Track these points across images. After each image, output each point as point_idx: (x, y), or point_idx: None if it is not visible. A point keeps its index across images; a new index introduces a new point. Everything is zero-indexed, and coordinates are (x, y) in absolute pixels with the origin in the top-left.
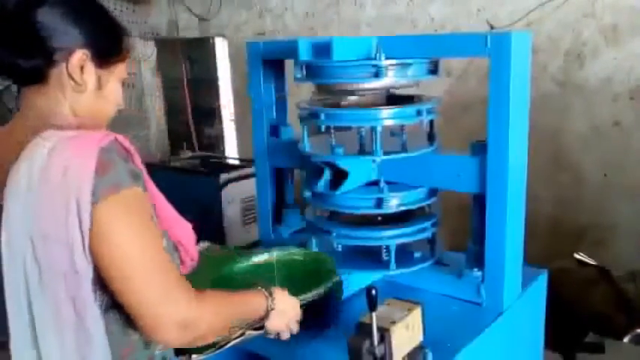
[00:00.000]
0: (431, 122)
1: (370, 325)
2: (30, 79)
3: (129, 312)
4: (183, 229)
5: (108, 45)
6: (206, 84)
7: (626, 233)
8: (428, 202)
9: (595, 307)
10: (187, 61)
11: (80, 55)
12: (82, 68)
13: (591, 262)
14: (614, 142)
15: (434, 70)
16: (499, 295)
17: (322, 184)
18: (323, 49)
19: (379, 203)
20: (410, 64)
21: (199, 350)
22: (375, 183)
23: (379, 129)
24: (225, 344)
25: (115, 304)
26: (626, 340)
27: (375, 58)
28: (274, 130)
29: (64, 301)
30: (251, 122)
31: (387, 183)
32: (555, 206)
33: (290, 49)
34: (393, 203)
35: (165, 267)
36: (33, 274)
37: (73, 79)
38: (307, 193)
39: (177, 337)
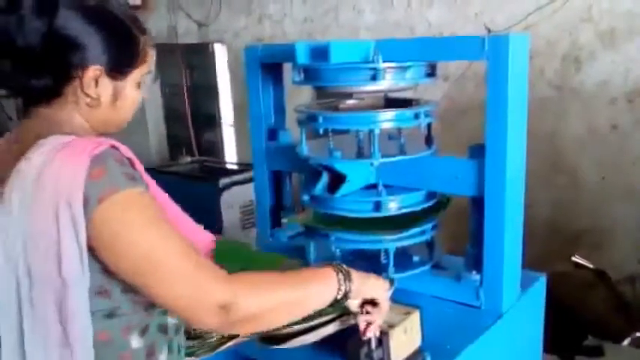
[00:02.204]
0: (429, 125)
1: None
2: (43, 98)
3: (165, 307)
4: (198, 235)
5: (123, 56)
6: (205, 89)
7: (623, 236)
8: (427, 205)
9: (594, 311)
10: (187, 67)
11: (94, 71)
12: (96, 82)
13: (589, 265)
14: (612, 145)
15: (431, 73)
16: (498, 298)
17: (320, 187)
18: (321, 53)
19: (378, 206)
20: (407, 68)
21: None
22: (374, 186)
23: (377, 132)
24: (221, 345)
25: (115, 312)
26: (625, 343)
27: (372, 61)
28: (272, 134)
29: (51, 313)
30: (249, 128)
31: (386, 186)
32: (553, 209)
33: (288, 52)
34: (392, 206)
35: (188, 255)
36: (24, 281)
37: (87, 94)
38: (305, 197)
39: (219, 321)
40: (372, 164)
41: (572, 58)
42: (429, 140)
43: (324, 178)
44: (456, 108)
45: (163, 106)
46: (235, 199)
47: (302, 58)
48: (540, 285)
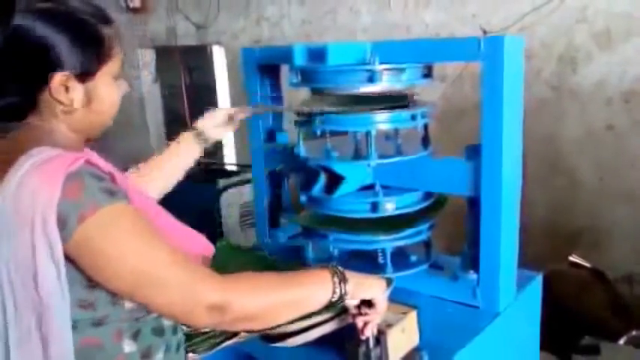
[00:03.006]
0: (425, 126)
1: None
2: (17, 114)
3: (162, 315)
4: (195, 243)
5: (87, 57)
6: (204, 91)
7: (620, 236)
8: (423, 205)
9: (591, 310)
10: (186, 69)
11: (60, 78)
12: (66, 88)
13: (586, 264)
14: (609, 145)
15: (428, 74)
16: (495, 297)
17: (318, 188)
18: (318, 55)
19: (375, 207)
20: (404, 69)
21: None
22: (371, 186)
23: (373, 133)
24: (221, 342)
25: (104, 320)
26: (621, 342)
27: (369, 63)
28: (270, 135)
29: (33, 328)
30: (247, 128)
31: (383, 187)
32: (550, 209)
33: (285, 54)
34: (389, 207)
35: (176, 260)
36: (9, 298)
37: (59, 101)
38: (303, 198)
39: (214, 321)
40: (369, 165)
41: (568, 59)
42: (425, 141)
43: (322, 178)
44: (453, 109)
45: (163, 108)
46: (234, 200)
47: (299, 60)
48: (537, 284)
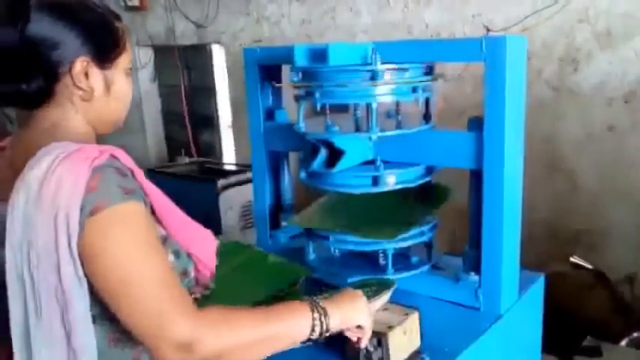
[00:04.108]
0: (427, 102)
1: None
2: (37, 102)
3: (130, 330)
4: (202, 240)
5: (105, 42)
6: (203, 90)
7: (620, 237)
8: (425, 179)
9: (592, 311)
10: (185, 68)
11: (81, 63)
12: (86, 75)
13: (587, 265)
14: (609, 146)
15: (429, 75)
16: (496, 299)
17: (319, 162)
18: (319, 55)
19: (376, 181)
20: (405, 70)
21: None
22: (372, 162)
23: (375, 106)
24: None
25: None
26: (623, 343)
27: (370, 64)
28: (269, 115)
29: (54, 318)
30: (248, 128)
31: (384, 162)
32: (550, 210)
33: (287, 54)
34: (390, 181)
35: (164, 284)
36: (29, 287)
37: (79, 88)
38: (303, 174)
39: (178, 358)
40: (370, 138)
41: (569, 59)
42: (427, 116)
43: (322, 153)
44: (454, 109)
45: (161, 107)
46: (234, 200)
47: (301, 60)
48: (539, 285)
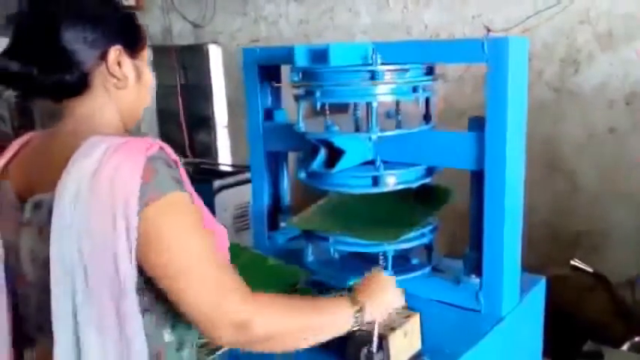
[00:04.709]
0: (427, 102)
1: (368, 332)
2: (76, 91)
3: (185, 314)
4: (222, 236)
5: (133, 33)
6: (200, 90)
7: (622, 240)
8: (425, 180)
9: (593, 315)
10: (181, 68)
11: (115, 52)
12: (119, 64)
13: (588, 269)
14: (610, 148)
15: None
16: (497, 302)
17: (318, 162)
18: (320, 55)
19: (376, 181)
20: (406, 70)
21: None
22: (372, 163)
23: (375, 105)
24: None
25: (151, 308)
26: (624, 347)
27: (371, 64)
28: (268, 114)
29: (107, 308)
30: (245, 128)
31: (384, 162)
32: (551, 213)
33: (286, 54)
34: (390, 181)
35: (219, 266)
36: (80, 280)
37: (114, 76)
38: (302, 174)
39: (232, 338)
40: (370, 138)
41: (570, 61)
42: (427, 116)
43: (322, 153)
44: (454, 110)
45: (157, 107)
46: (229, 201)
47: (301, 60)
48: (540, 288)
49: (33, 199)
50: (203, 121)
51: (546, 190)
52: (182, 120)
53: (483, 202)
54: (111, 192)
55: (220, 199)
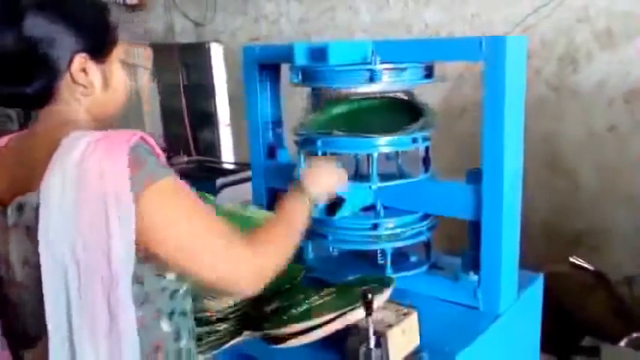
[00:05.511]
0: (426, 148)
1: (366, 329)
2: (40, 103)
3: (208, 284)
4: None
5: (101, 38)
6: (202, 89)
7: (621, 238)
8: (423, 223)
9: (591, 312)
10: (183, 66)
11: (79, 60)
12: (84, 71)
13: (587, 266)
14: (610, 146)
15: (429, 75)
16: (495, 298)
17: (319, 210)
18: (319, 54)
19: (375, 227)
20: (405, 69)
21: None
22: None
23: (375, 156)
24: (223, 344)
25: (148, 298)
26: (622, 344)
27: (370, 63)
28: (271, 152)
29: (99, 303)
30: (246, 126)
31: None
32: (550, 211)
33: (286, 53)
34: (390, 226)
35: (224, 234)
36: (73, 279)
37: (80, 84)
38: None
39: (256, 286)
40: (370, 187)
41: (569, 59)
42: (426, 162)
43: None
44: (454, 108)
45: (160, 106)
46: (233, 199)
47: (300, 59)
48: (538, 285)
49: (15, 201)
50: (206, 119)
51: (545, 188)
52: (185, 118)
53: (481, 199)
54: (100, 187)
55: (223, 196)
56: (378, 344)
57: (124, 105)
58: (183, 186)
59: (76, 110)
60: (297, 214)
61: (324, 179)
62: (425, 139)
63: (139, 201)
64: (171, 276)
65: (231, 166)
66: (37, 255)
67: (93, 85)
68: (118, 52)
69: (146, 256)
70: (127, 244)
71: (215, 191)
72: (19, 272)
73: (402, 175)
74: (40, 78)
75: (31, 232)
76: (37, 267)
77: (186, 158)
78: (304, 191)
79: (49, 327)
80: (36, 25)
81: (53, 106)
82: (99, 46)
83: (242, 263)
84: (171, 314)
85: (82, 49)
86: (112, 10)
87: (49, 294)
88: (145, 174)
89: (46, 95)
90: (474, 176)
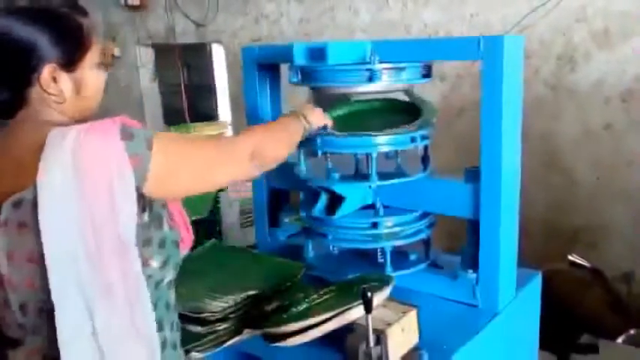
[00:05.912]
0: (425, 147)
1: (366, 327)
2: (11, 112)
3: (225, 185)
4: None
5: (70, 47)
6: (203, 89)
7: (618, 235)
8: (422, 222)
9: (589, 309)
10: (185, 67)
11: (48, 70)
12: (54, 79)
13: (585, 263)
14: (606, 144)
15: (427, 74)
16: (494, 296)
17: (319, 209)
18: (318, 53)
19: (375, 225)
20: (403, 68)
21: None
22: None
23: (374, 155)
24: (225, 342)
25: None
26: (619, 340)
27: (369, 62)
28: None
29: (117, 282)
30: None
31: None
32: (548, 208)
33: (285, 53)
34: (389, 224)
35: (219, 143)
36: (84, 262)
37: (49, 93)
38: (304, 214)
39: (253, 166)
40: (369, 186)
41: (567, 58)
42: (425, 160)
43: (323, 199)
44: (453, 107)
45: (162, 106)
46: (234, 198)
47: (299, 58)
48: (536, 283)
49: (12, 198)
50: (207, 119)
51: (543, 186)
52: (186, 118)
53: (480, 197)
54: (102, 167)
55: (225, 195)
56: (377, 342)
57: (97, 106)
58: (169, 133)
59: (50, 114)
60: (290, 121)
61: (317, 110)
62: (423, 138)
63: (151, 156)
64: (155, 264)
65: None
66: (28, 247)
67: (63, 93)
68: (92, 57)
69: (163, 205)
70: (131, 212)
71: (217, 190)
72: (3, 269)
73: (401, 174)
74: (8, 88)
75: (25, 226)
76: (30, 260)
77: None
78: (299, 111)
79: (59, 304)
80: (4, 37)
81: (25, 112)
82: (69, 56)
83: (242, 153)
84: (154, 305)
85: (52, 59)
86: (111, 11)
87: (56, 274)
88: (140, 137)
89: (15, 104)
90: (473, 175)
